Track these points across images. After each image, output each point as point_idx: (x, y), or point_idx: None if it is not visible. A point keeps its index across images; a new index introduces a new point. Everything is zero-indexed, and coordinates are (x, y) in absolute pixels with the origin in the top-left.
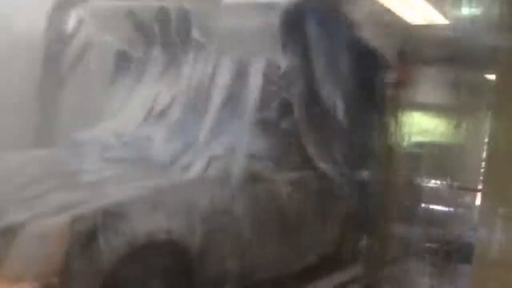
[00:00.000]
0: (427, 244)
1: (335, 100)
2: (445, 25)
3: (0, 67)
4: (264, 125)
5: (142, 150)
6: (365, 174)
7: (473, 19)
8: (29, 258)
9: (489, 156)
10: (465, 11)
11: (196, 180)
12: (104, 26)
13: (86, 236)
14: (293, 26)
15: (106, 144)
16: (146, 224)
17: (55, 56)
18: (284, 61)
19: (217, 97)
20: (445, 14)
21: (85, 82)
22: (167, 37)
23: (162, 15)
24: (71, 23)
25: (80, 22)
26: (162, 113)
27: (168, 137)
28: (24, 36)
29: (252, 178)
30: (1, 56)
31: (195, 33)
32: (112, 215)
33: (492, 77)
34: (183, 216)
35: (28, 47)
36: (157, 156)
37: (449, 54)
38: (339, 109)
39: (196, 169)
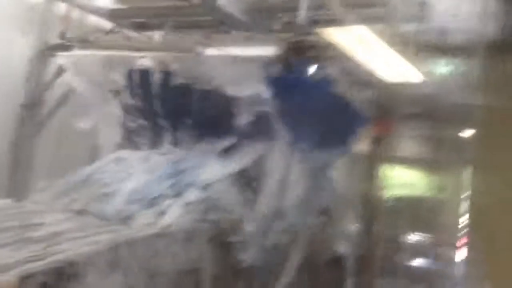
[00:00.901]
0: None
1: (311, 154)
2: (422, 82)
3: None
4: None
5: (105, 202)
6: (344, 228)
7: (448, 77)
8: None
9: (472, 209)
10: (441, 69)
11: (159, 235)
12: (85, 76)
13: None
14: (271, 78)
15: (67, 195)
16: (102, 285)
17: (34, 103)
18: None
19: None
20: (421, 72)
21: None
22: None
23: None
24: (51, 70)
25: (60, 70)
26: (127, 162)
27: (136, 188)
28: (3, 85)
29: (223, 232)
30: None
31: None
32: (64, 274)
33: (469, 132)
34: (143, 275)
35: (5, 94)
36: (120, 210)
37: (426, 109)
38: (315, 162)
39: (167, 218)
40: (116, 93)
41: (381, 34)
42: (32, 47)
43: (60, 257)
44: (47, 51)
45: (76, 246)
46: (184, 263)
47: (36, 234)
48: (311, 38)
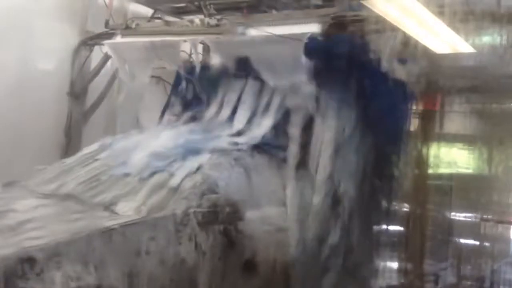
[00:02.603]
0: (461, 281)
1: (358, 130)
2: (471, 53)
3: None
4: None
5: (94, 185)
6: (392, 206)
7: (499, 48)
8: None
9: None
10: (491, 39)
11: (136, 222)
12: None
13: None
14: (316, 57)
15: (58, 178)
16: (67, 276)
17: (80, 92)
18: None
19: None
20: (470, 43)
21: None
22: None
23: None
24: (94, 59)
25: (105, 58)
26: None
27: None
28: (51, 75)
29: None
30: (29, 95)
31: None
32: (25, 265)
33: None
34: (117, 264)
35: (55, 86)
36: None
37: (476, 82)
38: (363, 139)
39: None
40: (158, 79)
41: (427, 4)
42: (76, 36)
43: (21, 247)
44: (91, 40)
45: (42, 235)
46: (173, 255)
47: (4, 222)
48: (354, 12)
